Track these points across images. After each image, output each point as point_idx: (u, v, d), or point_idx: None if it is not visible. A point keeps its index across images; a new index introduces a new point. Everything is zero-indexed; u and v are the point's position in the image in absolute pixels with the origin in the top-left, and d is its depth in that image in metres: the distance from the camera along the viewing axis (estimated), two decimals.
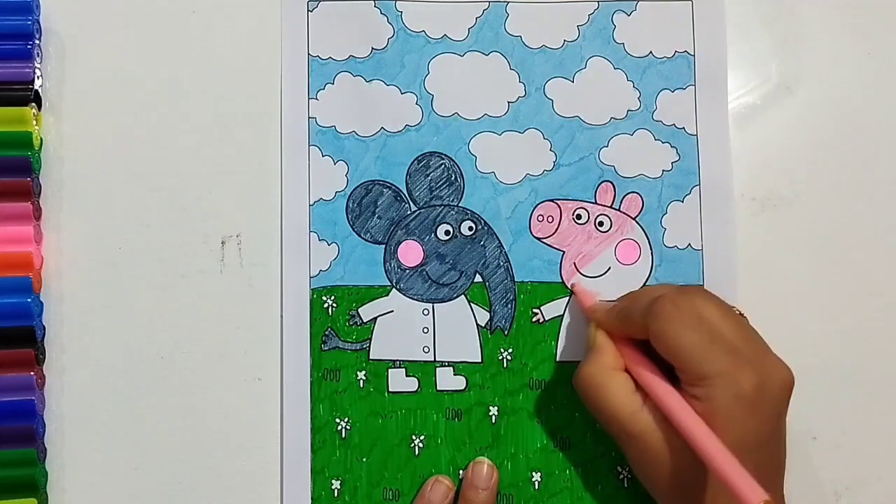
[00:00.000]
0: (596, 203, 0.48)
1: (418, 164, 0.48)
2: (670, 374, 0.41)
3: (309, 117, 0.48)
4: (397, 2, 0.48)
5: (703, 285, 0.47)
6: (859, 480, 0.47)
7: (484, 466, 0.46)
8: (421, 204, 0.48)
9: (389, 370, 0.47)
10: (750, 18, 0.50)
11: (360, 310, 0.47)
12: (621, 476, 0.47)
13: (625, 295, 0.46)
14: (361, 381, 0.47)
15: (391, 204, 0.48)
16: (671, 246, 0.48)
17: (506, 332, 0.47)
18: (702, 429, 0.38)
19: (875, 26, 0.50)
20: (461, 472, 0.47)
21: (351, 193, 0.48)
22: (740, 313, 0.43)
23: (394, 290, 0.47)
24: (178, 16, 0.48)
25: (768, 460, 0.39)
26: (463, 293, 0.47)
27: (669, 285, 0.47)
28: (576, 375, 0.44)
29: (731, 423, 0.38)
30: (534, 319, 0.47)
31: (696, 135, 0.48)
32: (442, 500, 0.45)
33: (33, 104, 0.46)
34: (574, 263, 0.48)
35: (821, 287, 0.48)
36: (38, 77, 0.46)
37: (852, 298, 0.48)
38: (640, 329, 0.41)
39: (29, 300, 0.45)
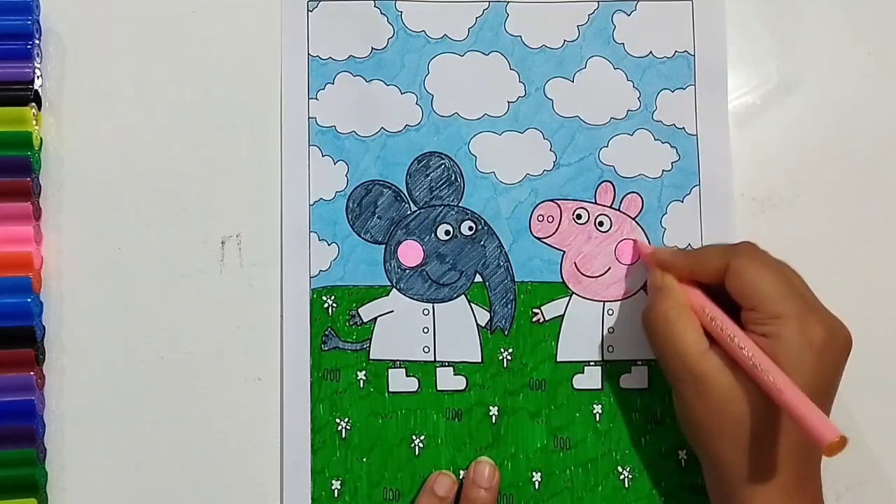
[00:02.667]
0: (596, 203, 0.48)
1: (418, 164, 0.48)
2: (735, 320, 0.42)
3: (309, 117, 0.48)
4: (397, 2, 0.48)
5: None
6: (859, 480, 0.47)
7: (486, 466, 0.46)
8: (421, 204, 0.48)
9: (389, 370, 0.47)
10: (750, 18, 0.50)
11: (360, 310, 0.47)
12: (621, 476, 0.47)
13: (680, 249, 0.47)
14: (361, 382, 0.47)
15: (391, 204, 0.48)
16: (671, 246, 0.48)
17: (506, 332, 0.47)
18: (774, 367, 0.38)
19: (875, 26, 0.50)
20: (462, 472, 0.47)
21: (351, 193, 0.48)
22: None
23: (394, 290, 0.47)
24: (178, 16, 0.48)
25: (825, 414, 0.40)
26: (463, 293, 0.47)
27: None
28: (647, 312, 0.44)
29: (798, 365, 0.39)
30: (534, 319, 0.47)
31: (696, 135, 0.48)
32: (447, 492, 0.45)
33: (33, 104, 0.46)
34: (574, 263, 0.48)
35: (821, 287, 0.48)
36: (38, 77, 0.46)
37: (852, 298, 0.48)
38: (713, 268, 0.42)
39: (29, 300, 0.45)
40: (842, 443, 0.36)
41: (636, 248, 0.48)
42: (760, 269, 0.41)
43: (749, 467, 0.40)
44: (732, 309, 0.42)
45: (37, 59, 0.46)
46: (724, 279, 0.42)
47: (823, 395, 0.40)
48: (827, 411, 0.41)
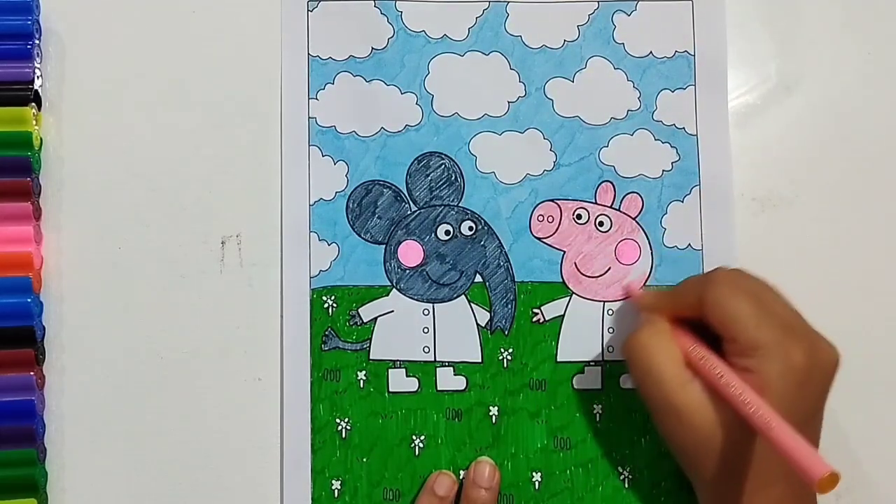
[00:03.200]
0: (596, 203, 0.48)
1: (418, 164, 0.48)
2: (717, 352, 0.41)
3: (309, 117, 0.48)
4: (397, 2, 0.48)
5: None
6: (859, 480, 0.47)
7: (486, 466, 0.46)
8: (421, 204, 0.48)
9: (390, 370, 0.47)
10: (750, 18, 0.50)
11: (360, 310, 0.47)
12: (622, 476, 0.47)
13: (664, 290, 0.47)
14: (362, 382, 0.47)
15: (391, 204, 0.48)
16: (671, 246, 0.48)
17: (506, 332, 0.47)
18: (761, 403, 0.38)
19: (875, 26, 0.50)
20: (462, 472, 0.47)
21: (351, 193, 0.48)
22: None
23: (394, 290, 0.47)
24: (178, 16, 0.48)
25: (810, 440, 0.39)
26: (463, 293, 0.47)
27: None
28: (627, 341, 0.43)
29: (781, 396, 0.38)
30: (534, 319, 0.47)
31: (696, 135, 0.48)
32: (447, 492, 0.45)
33: (33, 104, 0.46)
34: (574, 263, 0.48)
35: (821, 287, 0.48)
36: (38, 77, 0.46)
37: (852, 298, 0.48)
38: (692, 302, 0.41)
39: (29, 300, 0.45)
40: (833, 479, 0.35)
41: (628, 295, 0.48)
42: (735, 297, 0.40)
43: (740, 493, 0.39)
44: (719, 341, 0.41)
45: (37, 59, 0.46)
46: (701, 314, 0.41)
47: (808, 420, 0.39)
48: (815, 435, 0.41)
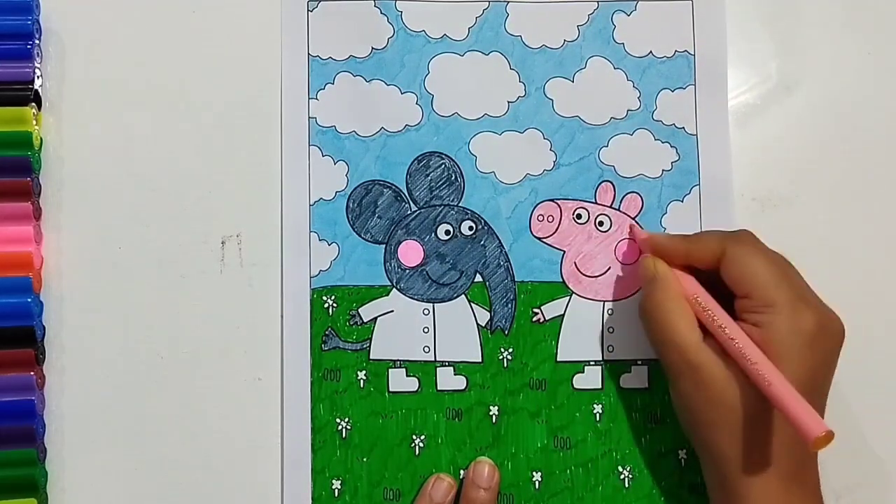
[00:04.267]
0: (596, 203, 0.48)
1: (418, 164, 0.48)
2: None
3: (309, 117, 0.48)
4: (397, 1, 0.48)
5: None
6: (859, 480, 0.47)
7: (486, 466, 0.46)
8: (421, 204, 0.48)
9: (390, 370, 0.47)
10: (750, 18, 0.50)
11: (360, 310, 0.47)
12: (622, 476, 0.47)
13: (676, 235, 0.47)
14: (362, 381, 0.47)
15: (391, 204, 0.48)
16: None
17: (506, 332, 0.47)
18: (763, 358, 0.39)
19: (875, 26, 0.50)
20: (462, 471, 0.47)
21: (351, 193, 0.48)
22: None
23: (394, 289, 0.47)
24: (178, 16, 0.48)
25: (817, 407, 0.40)
26: (463, 293, 0.47)
27: None
28: (643, 302, 0.44)
29: (789, 355, 0.39)
30: (534, 319, 0.47)
31: (696, 134, 0.48)
32: (444, 497, 0.45)
33: (33, 104, 0.46)
34: (574, 263, 0.48)
35: (820, 287, 0.48)
36: (38, 77, 0.46)
37: (852, 298, 0.48)
38: (710, 254, 0.42)
39: (29, 300, 0.45)
40: (828, 437, 0.36)
41: (632, 235, 0.48)
42: (756, 256, 0.42)
43: (747, 459, 0.40)
44: (724, 299, 0.42)
45: (37, 59, 0.46)
46: (719, 265, 0.42)
47: (814, 387, 0.40)
48: (820, 403, 0.41)
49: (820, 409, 0.41)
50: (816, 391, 0.40)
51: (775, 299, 0.40)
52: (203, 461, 0.46)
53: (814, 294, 0.42)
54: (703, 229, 0.48)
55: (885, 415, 0.48)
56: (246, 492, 0.46)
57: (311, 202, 0.47)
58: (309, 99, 0.48)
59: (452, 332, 0.47)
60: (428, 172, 0.48)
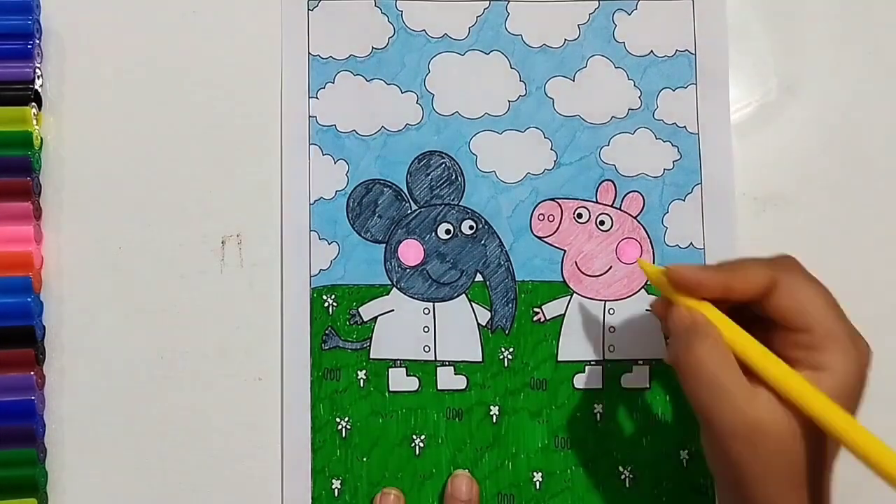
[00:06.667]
0: (597, 202, 0.48)
1: (419, 164, 0.48)
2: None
3: (309, 116, 0.48)
4: (398, 1, 0.48)
5: None
6: (859, 480, 0.47)
7: (463, 479, 0.46)
8: (421, 203, 0.48)
9: (390, 369, 0.47)
10: (750, 18, 0.50)
11: (360, 309, 0.47)
12: (622, 476, 0.47)
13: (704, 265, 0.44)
14: (362, 381, 0.47)
15: (392, 203, 0.48)
16: (672, 245, 0.48)
17: (507, 332, 0.47)
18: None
19: (875, 26, 0.50)
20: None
21: (351, 192, 0.48)
22: None
23: (394, 289, 0.47)
24: (179, 16, 0.48)
25: None
26: (464, 292, 0.47)
27: None
28: (684, 356, 0.37)
29: (851, 391, 0.36)
30: (535, 319, 0.47)
31: (698, 133, 0.48)
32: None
33: (33, 104, 0.46)
34: (575, 262, 0.48)
35: None
36: (38, 77, 0.46)
37: (852, 298, 0.48)
38: (756, 286, 0.38)
39: (29, 300, 0.45)
40: None
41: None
42: (812, 286, 0.38)
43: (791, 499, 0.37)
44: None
45: (37, 58, 0.46)
46: (764, 298, 0.38)
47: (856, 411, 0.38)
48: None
49: None
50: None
51: (838, 333, 0.37)
52: (203, 461, 0.46)
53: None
54: (704, 229, 0.48)
55: (885, 415, 0.48)
56: (246, 492, 0.46)
57: (312, 201, 0.47)
58: (309, 98, 0.48)
59: (453, 332, 0.47)
60: (428, 172, 0.48)
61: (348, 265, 0.47)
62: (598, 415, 0.47)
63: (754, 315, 0.39)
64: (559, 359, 0.47)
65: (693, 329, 0.38)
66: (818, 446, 0.37)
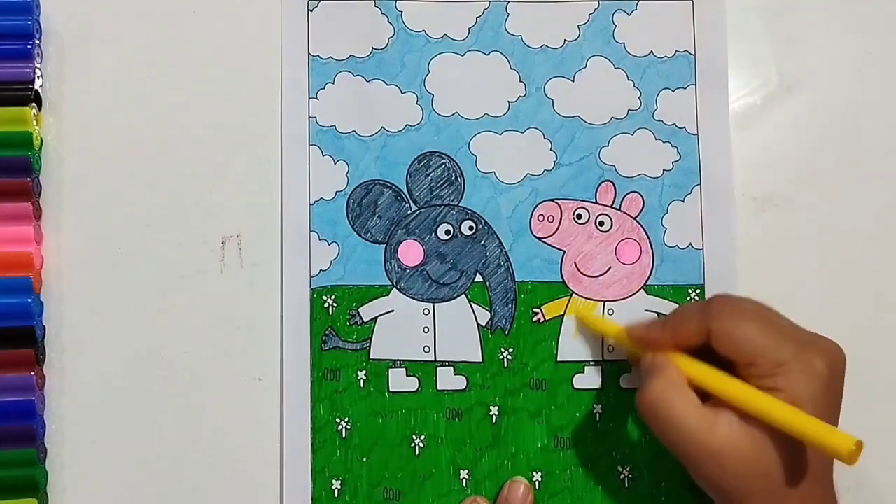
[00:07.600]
0: (596, 203, 0.48)
1: (419, 164, 0.48)
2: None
3: (309, 117, 0.48)
4: (398, 1, 0.48)
5: (703, 285, 0.47)
6: (859, 481, 0.47)
7: (521, 486, 0.46)
8: (421, 203, 0.48)
9: (390, 370, 0.47)
10: (750, 18, 0.50)
11: (360, 309, 0.47)
12: (621, 476, 0.47)
13: (654, 320, 0.46)
14: (362, 381, 0.47)
15: (391, 203, 0.48)
16: (672, 245, 0.48)
17: (506, 332, 0.47)
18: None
19: (875, 26, 0.50)
20: (462, 472, 0.47)
21: (351, 193, 0.48)
22: None
23: (394, 289, 0.47)
24: (179, 16, 0.48)
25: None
26: (463, 293, 0.47)
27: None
28: (641, 398, 0.41)
29: (813, 405, 0.38)
30: (534, 319, 0.47)
31: (697, 134, 0.48)
32: None
33: (33, 104, 0.46)
34: (574, 263, 0.48)
35: (821, 287, 0.48)
36: (38, 77, 0.46)
37: (852, 298, 0.48)
38: (693, 334, 0.41)
39: (29, 300, 0.45)
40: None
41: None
42: (744, 322, 0.40)
43: None
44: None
45: (37, 59, 0.46)
46: (708, 342, 0.40)
47: (835, 415, 0.39)
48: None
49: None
50: (836, 418, 0.40)
51: (782, 358, 0.38)
52: (203, 461, 0.46)
53: (804, 331, 0.40)
54: (704, 229, 0.48)
55: (885, 415, 0.48)
56: (246, 492, 0.46)
57: (311, 202, 0.47)
58: (309, 98, 0.48)
59: (452, 332, 0.47)
60: (428, 172, 0.48)
61: (348, 266, 0.47)
62: (598, 415, 0.47)
63: None
64: (559, 359, 0.47)
65: (649, 370, 0.42)
66: (796, 456, 0.38)
